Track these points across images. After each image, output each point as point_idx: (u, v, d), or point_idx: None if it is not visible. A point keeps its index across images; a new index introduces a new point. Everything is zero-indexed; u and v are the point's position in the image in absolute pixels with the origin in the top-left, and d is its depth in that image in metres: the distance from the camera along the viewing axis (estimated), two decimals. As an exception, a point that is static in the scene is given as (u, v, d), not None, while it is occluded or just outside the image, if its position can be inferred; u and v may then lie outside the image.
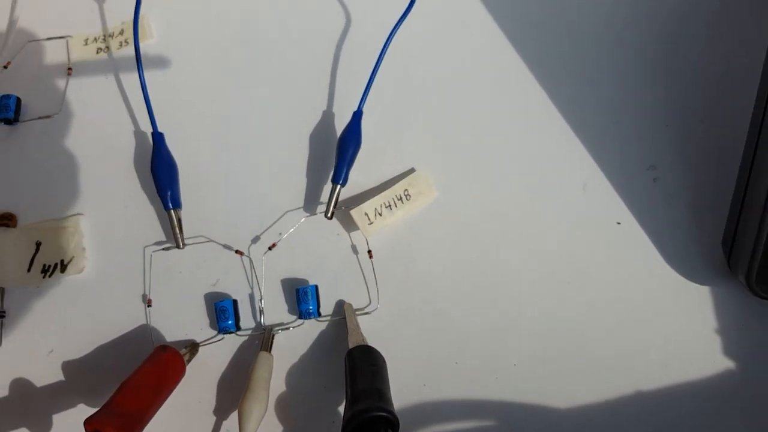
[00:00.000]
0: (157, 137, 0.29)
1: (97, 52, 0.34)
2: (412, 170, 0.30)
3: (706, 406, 0.25)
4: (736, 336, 0.26)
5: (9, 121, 0.33)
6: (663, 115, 0.29)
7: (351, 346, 0.25)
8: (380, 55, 0.29)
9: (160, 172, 0.28)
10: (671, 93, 0.30)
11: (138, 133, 0.32)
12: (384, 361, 0.25)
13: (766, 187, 0.24)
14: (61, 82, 0.33)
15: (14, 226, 0.31)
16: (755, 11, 0.30)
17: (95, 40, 0.34)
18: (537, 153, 0.30)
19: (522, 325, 0.27)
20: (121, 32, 0.34)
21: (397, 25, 0.29)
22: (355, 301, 0.28)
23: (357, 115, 0.29)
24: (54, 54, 0.34)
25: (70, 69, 0.34)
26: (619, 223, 0.28)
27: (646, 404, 0.26)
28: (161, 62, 0.33)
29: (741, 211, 0.25)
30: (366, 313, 0.28)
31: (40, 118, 0.33)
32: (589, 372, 0.26)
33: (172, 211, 0.28)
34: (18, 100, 0.33)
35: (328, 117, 0.31)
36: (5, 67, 0.34)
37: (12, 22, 0.35)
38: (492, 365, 0.27)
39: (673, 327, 0.27)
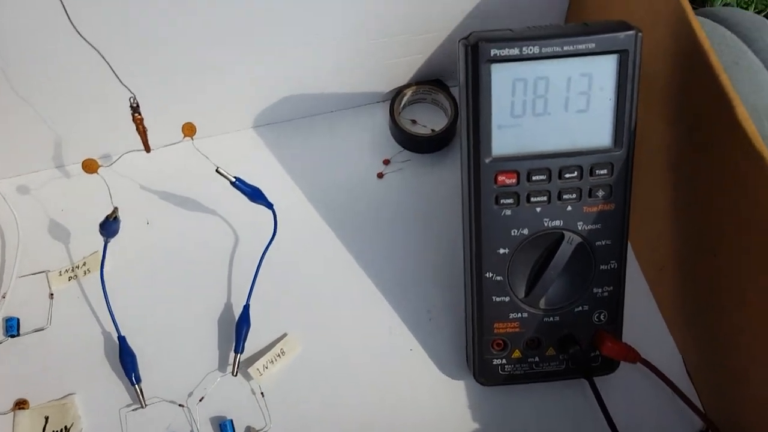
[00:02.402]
0: (121, 339, 0.46)
1: (69, 279, 0.51)
2: (285, 335, 0.48)
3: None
4: (476, 406, 0.46)
5: (14, 336, 0.49)
6: (431, 277, 0.49)
7: (257, 454, 0.43)
8: (257, 266, 0.48)
9: (126, 362, 0.45)
10: (436, 261, 0.50)
11: (105, 333, 0.48)
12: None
13: (470, 320, 0.43)
14: (46, 304, 0.50)
15: (27, 408, 0.47)
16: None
17: (66, 271, 0.51)
18: (363, 314, 0.49)
19: (359, 414, 0.45)
20: (84, 264, 0.51)
21: (265, 249, 0.48)
22: (256, 424, 0.45)
23: (246, 307, 0.47)
24: (38, 284, 0.50)
25: (51, 294, 0.50)
26: (411, 350, 0.47)
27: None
28: (115, 283, 0.50)
29: (466, 332, 0.45)
30: None
31: (35, 331, 0.49)
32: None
33: (136, 385, 0.45)
34: (18, 320, 0.49)
35: (229, 307, 0.49)
36: (3, 297, 0.50)
37: (2, 263, 0.51)
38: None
39: (442, 405, 0.46)
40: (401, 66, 0.54)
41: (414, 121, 0.55)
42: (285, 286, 0.50)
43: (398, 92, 0.55)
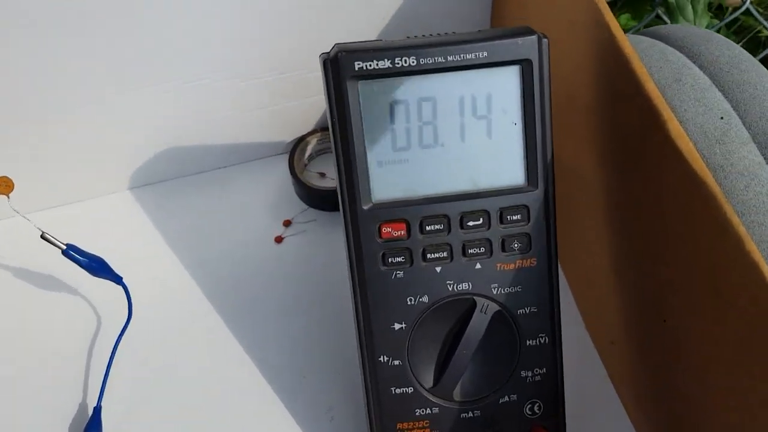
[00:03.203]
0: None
1: None
2: (147, 444, 0.38)
3: None
4: None
5: None
6: (334, 365, 0.40)
7: None
8: (110, 358, 0.38)
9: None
10: (341, 346, 0.40)
11: None
12: None
13: (368, 420, 0.33)
14: None
15: None
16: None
17: None
18: (250, 414, 0.39)
19: None
20: None
21: (119, 336, 0.39)
22: None
23: (96, 410, 0.37)
24: None
25: None
26: (308, 457, 0.37)
27: None
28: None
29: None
30: None
31: None
32: None
33: None
34: None
35: (83, 409, 0.39)
36: None
37: None
38: None
39: None
40: (303, 109, 0.46)
41: (323, 174, 0.47)
42: (151, 381, 0.40)
43: (300, 140, 0.47)
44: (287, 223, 0.45)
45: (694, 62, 0.35)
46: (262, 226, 0.45)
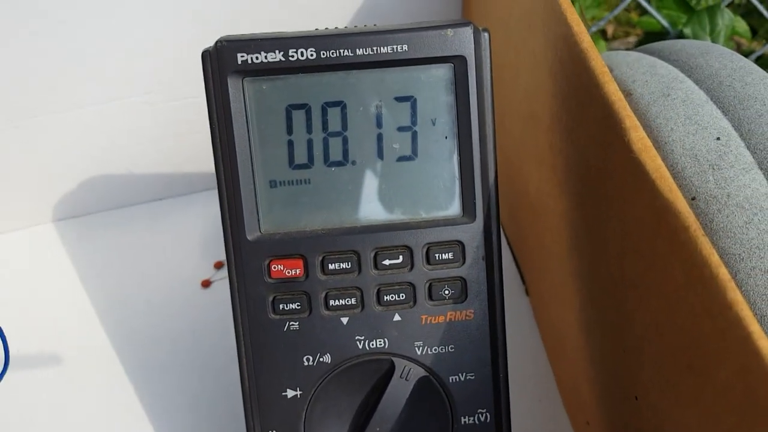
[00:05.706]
0: None
1: None
2: None
3: None
4: None
5: None
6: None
7: None
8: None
9: None
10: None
11: None
12: None
13: None
14: None
15: None
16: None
17: None
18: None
19: None
20: None
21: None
22: None
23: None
24: None
25: None
26: None
27: None
28: None
29: None
30: None
31: None
32: None
33: None
34: None
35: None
36: None
37: None
38: None
39: None
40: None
41: (267, 212, 0.41)
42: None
43: (243, 173, 0.41)
44: (219, 265, 0.39)
45: (689, 76, 0.29)
46: (189, 267, 0.39)
